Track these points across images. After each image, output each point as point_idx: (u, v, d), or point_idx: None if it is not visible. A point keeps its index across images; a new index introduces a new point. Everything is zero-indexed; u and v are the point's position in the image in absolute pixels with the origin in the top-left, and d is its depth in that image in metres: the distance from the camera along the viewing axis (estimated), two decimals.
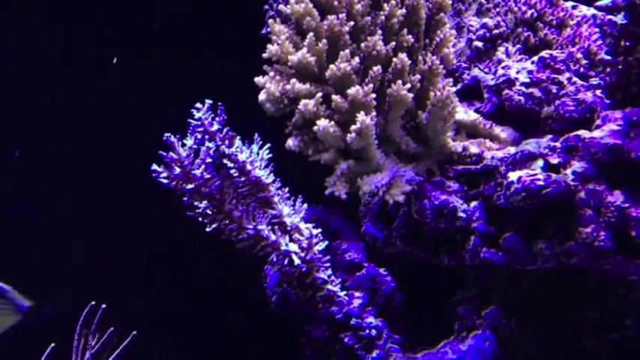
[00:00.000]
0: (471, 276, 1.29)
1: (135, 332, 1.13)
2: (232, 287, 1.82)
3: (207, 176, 1.18)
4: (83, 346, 1.13)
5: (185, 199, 1.20)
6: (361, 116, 1.08)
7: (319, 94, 1.12)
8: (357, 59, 1.12)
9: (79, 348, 1.13)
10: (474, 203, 1.20)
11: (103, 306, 1.14)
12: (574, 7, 1.42)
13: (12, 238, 1.72)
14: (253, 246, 1.22)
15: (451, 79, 1.20)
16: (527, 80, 1.25)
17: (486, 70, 1.37)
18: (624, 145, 1.08)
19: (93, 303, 1.15)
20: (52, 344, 1.10)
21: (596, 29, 1.33)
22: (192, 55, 1.83)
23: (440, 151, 1.24)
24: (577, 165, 1.11)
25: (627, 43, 1.16)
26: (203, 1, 1.81)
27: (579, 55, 1.31)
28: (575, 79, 1.25)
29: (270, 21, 1.19)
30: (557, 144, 1.15)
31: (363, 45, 1.14)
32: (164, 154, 1.16)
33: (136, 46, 1.83)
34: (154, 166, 1.19)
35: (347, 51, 1.11)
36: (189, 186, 1.17)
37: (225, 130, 1.19)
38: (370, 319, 1.26)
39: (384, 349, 1.24)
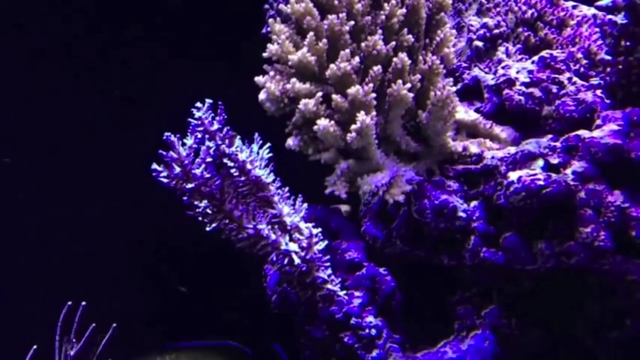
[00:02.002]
0: (470, 276, 1.29)
1: (115, 325, 1.13)
2: (232, 287, 1.81)
3: (208, 175, 1.18)
4: (61, 346, 1.12)
5: (185, 198, 1.20)
6: (361, 116, 1.08)
7: (319, 94, 1.12)
8: (357, 59, 1.12)
9: (60, 348, 1.12)
10: (473, 203, 1.20)
11: (83, 303, 1.14)
12: (574, 7, 1.42)
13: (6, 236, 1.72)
14: (253, 245, 1.22)
15: (451, 79, 1.20)
16: (528, 80, 1.26)
17: (486, 69, 1.37)
18: (624, 145, 1.08)
19: (70, 303, 1.15)
20: (34, 346, 1.09)
21: (597, 29, 1.33)
22: (192, 55, 1.83)
23: (440, 150, 1.24)
24: (577, 165, 1.11)
25: (627, 43, 1.16)
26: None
27: (579, 55, 1.31)
28: (575, 78, 1.25)
29: (271, 20, 1.19)
30: (558, 144, 1.15)
31: (363, 44, 1.14)
32: (164, 153, 1.16)
33: (135, 45, 1.82)
34: (154, 166, 1.19)
35: (347, 50, 1.11)
36: (190, 185, 1.17)
37: (225, 129, 1.19)
38: (370, 319, 1.26)
39: (383, 349, 1.24)
